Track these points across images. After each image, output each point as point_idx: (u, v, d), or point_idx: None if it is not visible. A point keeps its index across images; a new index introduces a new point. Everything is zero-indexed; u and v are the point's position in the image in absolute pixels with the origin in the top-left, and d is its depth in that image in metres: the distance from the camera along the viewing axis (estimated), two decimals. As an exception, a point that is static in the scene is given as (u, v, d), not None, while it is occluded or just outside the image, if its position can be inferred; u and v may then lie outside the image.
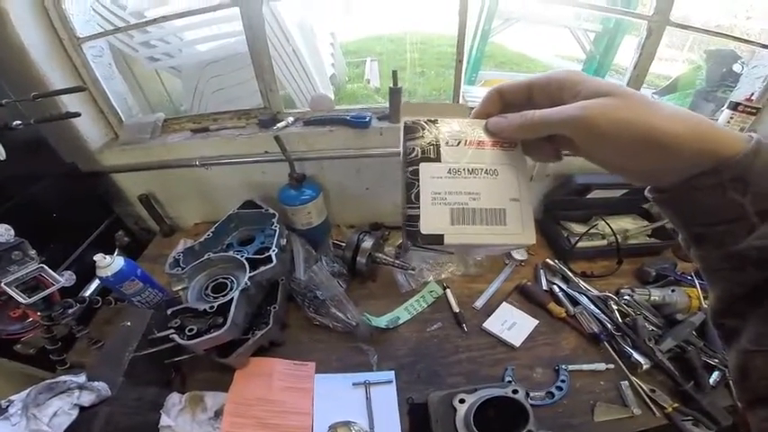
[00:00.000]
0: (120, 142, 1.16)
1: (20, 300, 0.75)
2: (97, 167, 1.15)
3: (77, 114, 0.96)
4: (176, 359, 0.85)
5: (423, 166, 0.34)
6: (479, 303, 1.06)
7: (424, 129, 0.35)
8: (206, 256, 0.91)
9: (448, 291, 1.09)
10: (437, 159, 0.34)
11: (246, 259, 0.88)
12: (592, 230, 1.18)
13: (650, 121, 0.27)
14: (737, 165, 0.26)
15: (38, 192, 1.00)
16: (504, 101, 0.35)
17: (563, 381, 0.89)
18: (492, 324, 1.00)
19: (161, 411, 0.82)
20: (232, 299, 0.79)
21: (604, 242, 1.19)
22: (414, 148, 0.35)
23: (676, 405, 0.83)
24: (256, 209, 1.05)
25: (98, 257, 0.89)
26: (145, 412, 0.80)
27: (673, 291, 1.01)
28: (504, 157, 0.35)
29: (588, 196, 1.17)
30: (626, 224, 1.20)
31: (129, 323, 0.85)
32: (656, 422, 0.83)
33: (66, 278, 0.88)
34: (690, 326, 0.94)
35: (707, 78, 1.26)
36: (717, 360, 0.89)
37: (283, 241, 0.94)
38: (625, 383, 0.88)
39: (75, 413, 0.68)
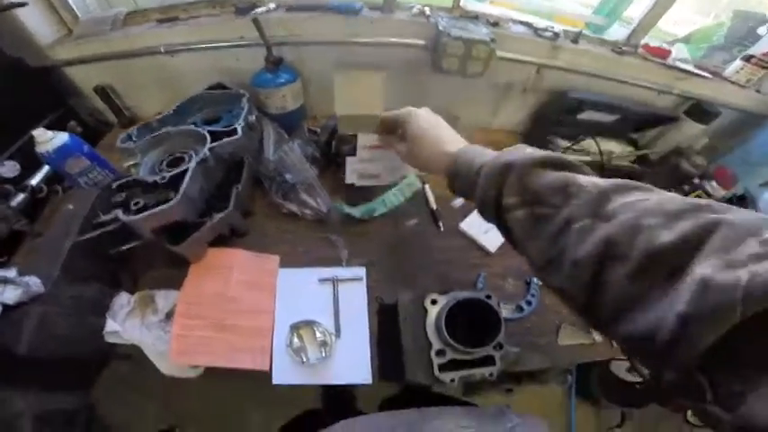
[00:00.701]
0: (75, 36, 0.97)
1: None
2: (47, 63, 0.97)
3: (23, 4, 0.80)
4: (123, 248, 0.72)
5: (348, 159, 0.76)
6: (458, 202, 0.98)
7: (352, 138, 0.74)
8: (163, 130, 0.77)
9: (426, 186, 0.99)
10: (355, 155, 0.75)
11: (209, 132, 0.74)
12: (577, 147, 1.10)
13: (425, 155, 0.60)
14: (449, 170, 0.54)
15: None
16: (385, 125, 0.68)
17: (533, 295, 0.83)
18: (469, 225, 0.92)
19: (107, 315, 0.69)
20: (187, 169, 0.66)
21: (588, 159, 1.11)
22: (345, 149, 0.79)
23: None
24: (225, 90, 0.90)
25: (38, 131, 0.73)
26: (87, 315, 0.67)
27: (647, 213, 0.96)
28: (384, 153, 0.73)
29: (579, 116, 1.08)
30: (612, 147, 1.13)
31: (71, 206, 0.71)
32: (612, 354, 0.81)
33: (7, 168, 0.75)
34: None
35: (726, 36, 1.17)
36: None
37: (252, 118, 0.79)
38: None
39: (-6, 312, 0.56)
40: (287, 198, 0.85)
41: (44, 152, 0.74)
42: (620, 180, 0.38)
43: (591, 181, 0.38)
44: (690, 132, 1.09)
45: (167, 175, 0.66)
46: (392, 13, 0.97)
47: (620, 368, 1.49)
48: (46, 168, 0.90)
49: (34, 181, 0.87)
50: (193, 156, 0.73)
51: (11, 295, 0.56)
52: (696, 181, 1.06)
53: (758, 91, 1.08)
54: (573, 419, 1.64)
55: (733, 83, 1.06)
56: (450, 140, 0.57)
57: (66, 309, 0.63)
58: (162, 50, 0.96)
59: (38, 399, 0.62)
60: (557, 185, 0.39)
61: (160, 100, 1.12)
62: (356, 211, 0.86)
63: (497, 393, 1.59)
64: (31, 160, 0.84)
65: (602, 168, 1.07)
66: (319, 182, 0.84)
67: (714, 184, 0.99)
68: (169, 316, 0.72)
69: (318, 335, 0.72)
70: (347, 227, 0.88)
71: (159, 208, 0.62)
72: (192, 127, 0.77)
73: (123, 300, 0.72)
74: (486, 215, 0.49)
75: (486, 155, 0.49)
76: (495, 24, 1.00)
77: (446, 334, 0.64)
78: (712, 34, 1.15)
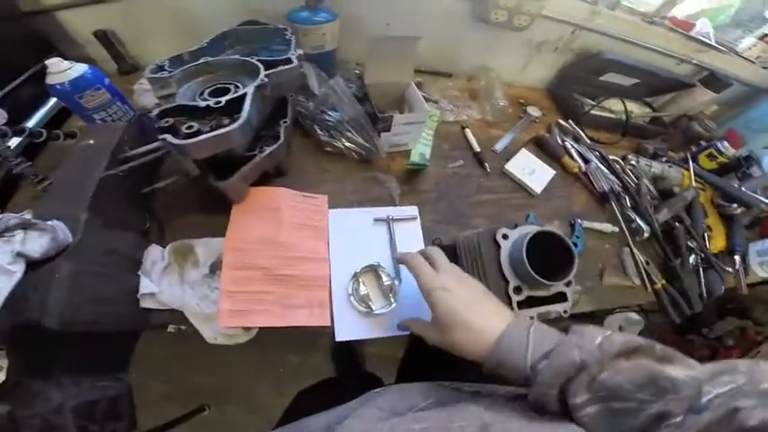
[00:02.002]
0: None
1: None
2: (39, 7, 0.82)
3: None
4: (159, 184, 0.61)
5: (383, 134, 0.74)
6: (499, 147, 0.95)
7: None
8: (202, 60, 0.65)
9: (467, 131, 0.96)
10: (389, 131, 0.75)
11: (259, 61, 0.63)
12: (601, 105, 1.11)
13: (452, 340, 0.46)
14: (489, 360, 0.42)
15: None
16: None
17: (578, 237, 0.81)
18: (513, 167, 0.89)
19: (139, 273, 0.54)
20: (245, 94, 0.55)
21: (612, 116, 1.12)
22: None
23: (663, 282, 0.80)
24: (262, 25, 0.79)
25: (52, 61, 0.60)
26: (120, 274, 0.52)
27: (670, 166, 0.97)
28: (415, 126, 0.77)
29: (602, 78, 1.09)
30: (631, 107, 1.13)
31: (91, 141, 0.57)
32: (647, 297, 0.80)
33: None
34: (683, 200, 0.90)
35: (734, 16, 1.21)
36: (696, 244, 0.87)
37: (300, 51, 0.69)
38: (626, 251, 0.84)
39: (18, 270, 0.38)
40: (332, 135, 0.77)
41: (57, 84, 0.62)
42: (713, 366, 0.34)
43: (686, 373, 0.33)
44: (701, 99, 1.14)
45: (224, 99, 0.56)
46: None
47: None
48: (40, 114, 0.78)
49: (30, 124, 0.74)
50: (240, 86, 0.63)
51: (35, 245, 0.39)
52: (703, 143, 1.10)
53: (765, 68, 1.14)
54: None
55: (744, 58, 1.11)
56: (487, 322, 0.44)
57: (100, 266, 0.48)
58: (181, -14, 0.81)
59: (76, 387, 0.48)
60: (642, 382, 0.34)
61: (171, 48, 0.95)
62: (420, 159, 0.80)
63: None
64: (19, 110, 0.72)
65: (624, 126, 1.08)
66: (366, 117, 0.75)
67: (726, 143, 1.02)
68: (214, 269, 0.59)
69: (384, 279, 0.64)
70: (393, 167, 0.82)
71: (219, 132, 0.51)
72: (238, 57, 0.67)
73: (155, 254, 0.57)
74: (542, 407, 0.39)
75: (542, 343, 0.40)
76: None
77: (528, 267, 0.59)
78: (719, 14, 1.19)
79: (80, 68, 0.64)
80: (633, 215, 0.86)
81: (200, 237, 0.63)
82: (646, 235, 0.84)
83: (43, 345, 0.44)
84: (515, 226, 0.66)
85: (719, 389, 0.31)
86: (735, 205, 0.93)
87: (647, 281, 0.80)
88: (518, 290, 0.62)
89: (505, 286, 0.62)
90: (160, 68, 0.66)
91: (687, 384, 0.32)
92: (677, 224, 0.88)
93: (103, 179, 0.53)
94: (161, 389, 1.27)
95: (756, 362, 0.32)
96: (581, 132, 1.01)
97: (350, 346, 1.30)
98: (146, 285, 0.54)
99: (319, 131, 0.77)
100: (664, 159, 1.02)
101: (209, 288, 0.58)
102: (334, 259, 0.66)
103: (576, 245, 0.79)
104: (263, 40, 0.77)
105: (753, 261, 0.93)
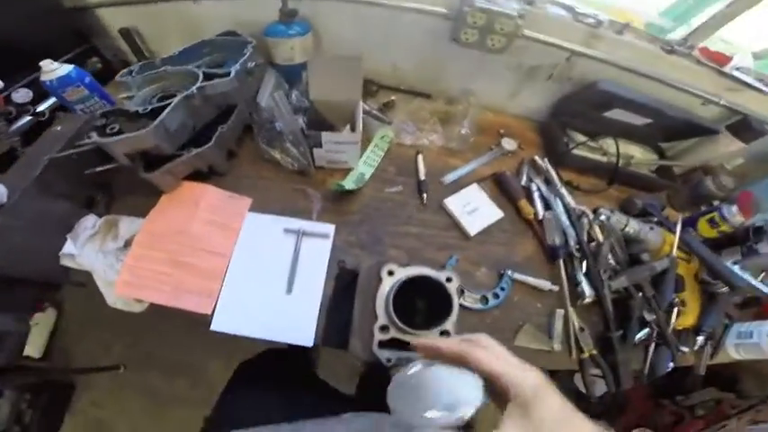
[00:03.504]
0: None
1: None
2: (80, 4, 0.97)
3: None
4: (96, 169, 0.70)
5: (315, 150, 0.78)
6: (449, 179, 0.91)
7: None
8: (161, 69, 0.76)
9: (420, 156, 0.93)
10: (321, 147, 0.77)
11: (204, 74, 0.72)
12: (593, 144, 0.99)
13: None
14: None
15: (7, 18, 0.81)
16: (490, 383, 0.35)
17: (502, 288, 0.77)
18: (454, 202, 0.85)
19: (67, 236, 0.66)
20: (170, 103, 0.64)
21: (603, 159, 1.00)
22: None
23: (594, 352, 0.73)
24: (232, 37, 0.88)
25: (45, 62, 0.74)
26: (49, 234, 0.65)
27: (651, 228, 0.84)
28: (348, 145, 0.79)
29: (606, 114, 0.97)
30: (634, 151, 1.00)
31: (59, 128, 0.70)
32: (569, 365, 0.74)
33: (21, 94, 0.77)
34: (650, 270, 0.79)
35: None
36: (654, 318, 0.76)
37: (251, 65, 0.78)
38: (560, 312, 0.77)
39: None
40: (271, 145, 0.82)
41: (47, 81, 0.75)
42: None
43: None
44: (725, 149, 0.97)
45: (149, 106, 0.65)
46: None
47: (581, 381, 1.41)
48: (54, 99, 0.92)
49: (41, 107, 0.87)
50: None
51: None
52: (716, 203, 0.94)
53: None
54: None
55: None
56: None
57: (28, 223, 0.61)
58: (188, -4, 0.92)
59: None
60: None
61: (180, 46, 1.12)
62: (350, 183, 0.82)
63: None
64: (43, 93, 0.83)
65: (614, 171, 0.96)
66: (303, 134, 0.80)
67: (734, 209, 0.85)
68: (128, 244, 0.70)
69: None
70: (328, 183, 0.84)
71: (131, 134, 0.61)
72: (189, 67, 0.75)
73: (89, 222, 0.69)
74: None
75: None
76: (530, 3, 0.88)
77: (392, 309, 0.59)
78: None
79: (66, 69, 0.77)
80: (580, 277, 0.78)
81: (140, 216, 0.73)
82: (588, 300, 0.77)
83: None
84: (407, 265, 0.65)
85: None
86: (720, 283, 0.80)
87: (573, 348, 0.74)
88: (385, 329, 0.62)
89: (373, 323, 0.62)
90: (129, 72, 0.77)
91: None
92: (637, 294, 0.79)
93: (54, 159, 0.65)
94: (123, 351, 1.47)
95: None
96: (553, 174, 0.92)
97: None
98: (68, 246, 0.66)
99: (260, 139, 0.82)
100: (655, 219, 0.89)
101: (116, 259, 0.69)
102: (235, 257, 0.73)
103: (497, 296, 0.76)
104: (234, 51, 0.85)
105: (729, 341, 0.81)
